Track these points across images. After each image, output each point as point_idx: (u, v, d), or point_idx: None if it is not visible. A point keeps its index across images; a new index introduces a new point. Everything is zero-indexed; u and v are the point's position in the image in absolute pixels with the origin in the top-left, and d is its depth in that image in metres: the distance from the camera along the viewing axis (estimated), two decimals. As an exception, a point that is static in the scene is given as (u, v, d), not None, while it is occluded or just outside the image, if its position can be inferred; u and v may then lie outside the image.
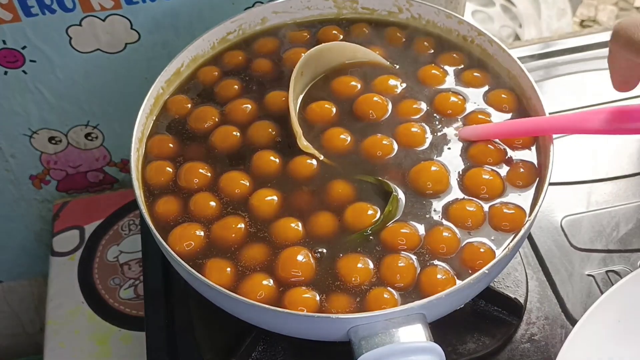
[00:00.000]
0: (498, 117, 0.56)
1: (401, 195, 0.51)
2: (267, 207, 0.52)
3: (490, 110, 0.57)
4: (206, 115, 0.58)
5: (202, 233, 0.51)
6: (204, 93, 0.60)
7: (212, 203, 0.52)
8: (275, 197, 0.52)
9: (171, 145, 0.56)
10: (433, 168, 0.53)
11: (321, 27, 0.63)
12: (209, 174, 0.54)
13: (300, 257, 0.49)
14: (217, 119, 0.58)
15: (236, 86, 0.60)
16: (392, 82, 0.58)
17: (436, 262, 0.49)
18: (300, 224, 0.51)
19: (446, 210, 0.51)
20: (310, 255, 0.49)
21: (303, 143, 0.54)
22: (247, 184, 0.53)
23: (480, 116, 0.56)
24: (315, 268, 0.49)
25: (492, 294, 0.55)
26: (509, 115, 0.56)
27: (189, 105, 0.59)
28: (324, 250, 0.49)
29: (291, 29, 0.64)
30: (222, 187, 0.53)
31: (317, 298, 0.47)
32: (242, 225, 0.51)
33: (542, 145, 0.54)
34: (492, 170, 0.53)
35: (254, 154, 0.55)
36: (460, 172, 0.53)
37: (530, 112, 0.56)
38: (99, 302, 0.69)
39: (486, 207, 0.51)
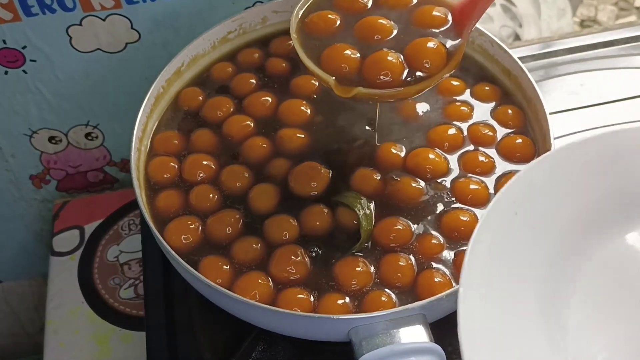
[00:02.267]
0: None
1: (368, 208, 0.52)
2: (266, 202, 0.52)
3: None
4: (220, 104, 0.58)
5: (199, 226, 0.51)
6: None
7: (212, 196, 0.53)
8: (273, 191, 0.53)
9: (176, 141, 0.57)
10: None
11: None
12: (213, 166, 0.54)
13: (294, 256, 0.49)
14: (231, 109, 0.58)
15: (252, 80, 0.61)
16: None
17: (435, 263, 0.49)
18: (295, 221, 0.51)
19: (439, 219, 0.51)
20: (305, 254, 0.49)
21: (342, 90, 0.49)
22: (248, 176, 0.53)
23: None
24: (310, 267, 0.49)
25: (492, 294, 0.55)
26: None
27: (201, 98, 0.60)
28: (319, 250, 0.50)
29: None
30: (223, 180, 0.54)
31: (311, 298, 0.47)
32: (240, 220, 0.51)
33: (542, 147, 0.54)
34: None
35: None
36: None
37: (530, 110, 0.56)
38: (99, 302, 0.69)
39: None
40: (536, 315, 0.40)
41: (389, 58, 0.48)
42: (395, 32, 0.50)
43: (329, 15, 0.52)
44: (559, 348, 0.40)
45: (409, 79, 0.48)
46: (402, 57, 0.49)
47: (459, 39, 0.50)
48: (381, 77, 0.48)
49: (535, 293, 0.41)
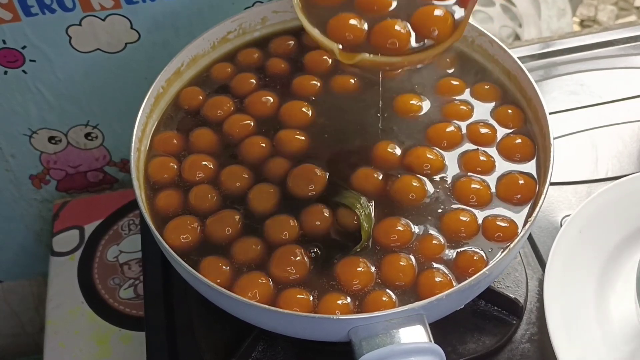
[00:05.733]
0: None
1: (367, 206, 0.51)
2: (266, 202, 0.52)
3: None
4: (221, 104, 0.58)
5: (198, 226, 0.51)
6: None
7: (212, 196, 0.53)
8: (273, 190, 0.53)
9: (176, 141, 0.57)
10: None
11: None
12: (213, 167, 0.54)
13: (294, 256, 0.49)
14: (232, 108, 0.58)
15: (252, 80, 0.60)
16: None
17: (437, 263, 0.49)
18: (295, 221, 0.51)
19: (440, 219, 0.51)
20: (305, 254, 0.49)
21: (346, 57, 0.49)
22: (248, 177, 0.53)
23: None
24: (310, 267, 0.49)
25: (492, 294, 0.55)
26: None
27: (201, 97, 0.59)
28: (319, 250, 0.50)
29: None
30: (223, 180, 0.54)
31: (311, 298, 0.47)
32: (239, 220, 0.51)
33: (542, 147, 0.54)
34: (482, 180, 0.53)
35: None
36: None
37: (530, 110, 0.56)
38: (99, 302, 0.69)
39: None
40: (593, 293, 0.57)
41: (397, 27, 0.48)
42: (395, 3, 0.50)
43: None
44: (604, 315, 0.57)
45: (414, 46, 0.48)
46: (409, 25, 0.48)
47: (463, 9, 0.49)
48: (388, 44, 0.48)
49: (595, 279, 0.58)
